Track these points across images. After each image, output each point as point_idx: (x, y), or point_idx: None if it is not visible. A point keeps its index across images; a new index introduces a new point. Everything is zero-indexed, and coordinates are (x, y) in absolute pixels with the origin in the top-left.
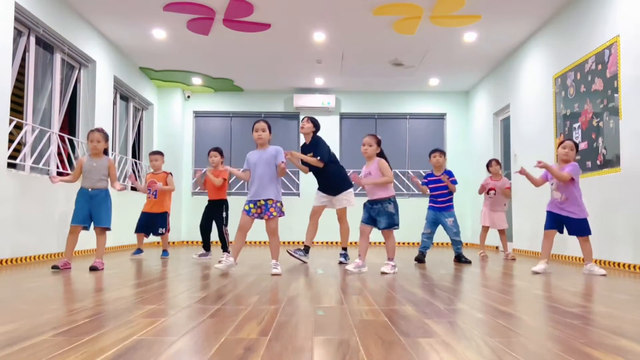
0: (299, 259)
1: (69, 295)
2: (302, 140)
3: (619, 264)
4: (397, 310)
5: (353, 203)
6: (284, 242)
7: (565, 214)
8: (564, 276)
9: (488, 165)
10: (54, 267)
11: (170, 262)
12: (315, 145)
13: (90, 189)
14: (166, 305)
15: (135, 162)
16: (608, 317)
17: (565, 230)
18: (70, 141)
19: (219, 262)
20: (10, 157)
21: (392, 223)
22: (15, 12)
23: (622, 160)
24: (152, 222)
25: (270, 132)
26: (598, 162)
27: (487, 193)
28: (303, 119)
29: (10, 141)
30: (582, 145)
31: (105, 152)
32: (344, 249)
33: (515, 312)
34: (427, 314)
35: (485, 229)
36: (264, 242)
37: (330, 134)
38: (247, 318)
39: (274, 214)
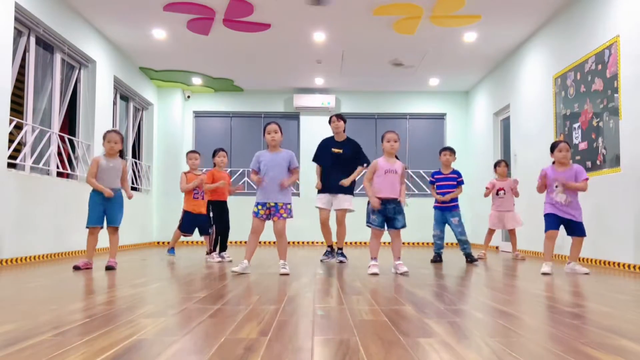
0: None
1: (69, 295)
2: (301, 141)
3: (619, 264)
4: (397, 310)
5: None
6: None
7: (568, 217)
8: (564, 276)
9: (496, 166)
10: (75, 267)
11: (170, 262)
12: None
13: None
14: (166, 305)
15: (135, 162)
16: (608, 317)
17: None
18: (70, 141)
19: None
20: (10, 157)
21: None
22: (15, 12)
23: (622, 160)
24: (200, 223)
25: (282, 133)
26: (598, 162)
27: (497, 194)
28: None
29: (10, 141)
30: (582, 145)
31: (121, 154)
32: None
33: (516, 312)
34: (427, 314)
35: (491, 232)
36: (267, 242)
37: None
38: (247, 318)
39: (284, 215)
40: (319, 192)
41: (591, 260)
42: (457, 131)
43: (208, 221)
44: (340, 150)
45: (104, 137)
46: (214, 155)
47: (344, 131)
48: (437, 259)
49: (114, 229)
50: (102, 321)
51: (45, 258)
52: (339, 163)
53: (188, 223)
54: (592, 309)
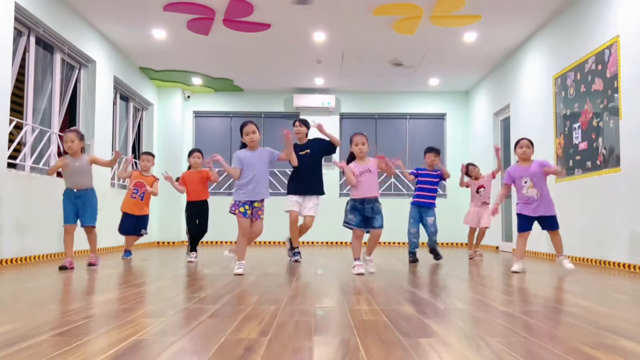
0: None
1: (68, 296)
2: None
3: (618, 264)
4: (397, 310)
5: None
6: (283, 243)
7: (538, 214)
8: (564, 276)
9: (467, 172)
10: (61, 267)
11: (170, 262)
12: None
13: (75, 189)
14: (166, 305)
15: (135, 162)
16: (607, 317)
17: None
18: None
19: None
20: (10, 157)
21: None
22: (15, 12)
23: (622, 160)
24: (136, 223)
25: (259, 132)
26: (598, 162)
27: (477, 192)
28: (297, 122)
29: (10, 141)
30: (582, 145)
31: (82, 151)
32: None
33: (515, 312)
34: (427, 314)
35: (472, 230)
36: (268, 242)
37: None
38: (247, 318)
39: (262, 216)
40: (290, 193)
41: (591, 260)
42: (457, 131)
43: (146, 222)
44: (308, 151)
45: (62, 139)
46: (189, 155)
47: (306, 135)
48: (414, 259)
49: (88, 228)
50: (102, 321)
51: (45, 258)
52: (307, 163)
53: (125, 224)
54: (591, 308)
